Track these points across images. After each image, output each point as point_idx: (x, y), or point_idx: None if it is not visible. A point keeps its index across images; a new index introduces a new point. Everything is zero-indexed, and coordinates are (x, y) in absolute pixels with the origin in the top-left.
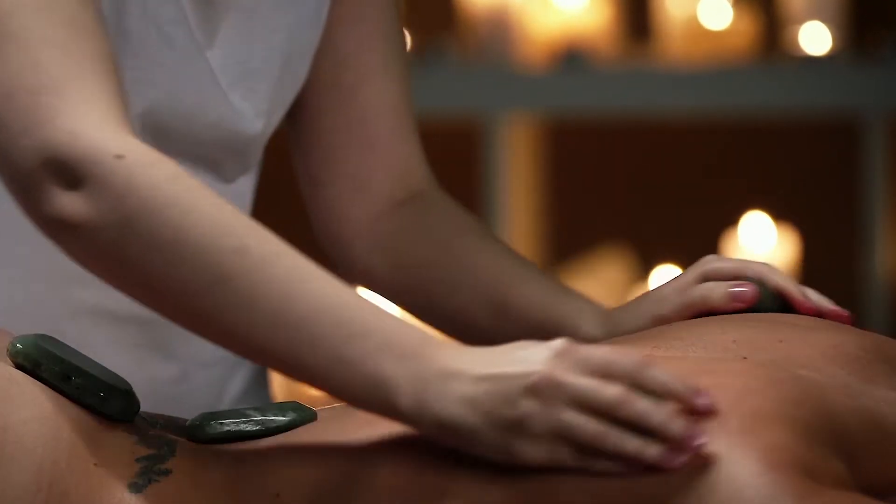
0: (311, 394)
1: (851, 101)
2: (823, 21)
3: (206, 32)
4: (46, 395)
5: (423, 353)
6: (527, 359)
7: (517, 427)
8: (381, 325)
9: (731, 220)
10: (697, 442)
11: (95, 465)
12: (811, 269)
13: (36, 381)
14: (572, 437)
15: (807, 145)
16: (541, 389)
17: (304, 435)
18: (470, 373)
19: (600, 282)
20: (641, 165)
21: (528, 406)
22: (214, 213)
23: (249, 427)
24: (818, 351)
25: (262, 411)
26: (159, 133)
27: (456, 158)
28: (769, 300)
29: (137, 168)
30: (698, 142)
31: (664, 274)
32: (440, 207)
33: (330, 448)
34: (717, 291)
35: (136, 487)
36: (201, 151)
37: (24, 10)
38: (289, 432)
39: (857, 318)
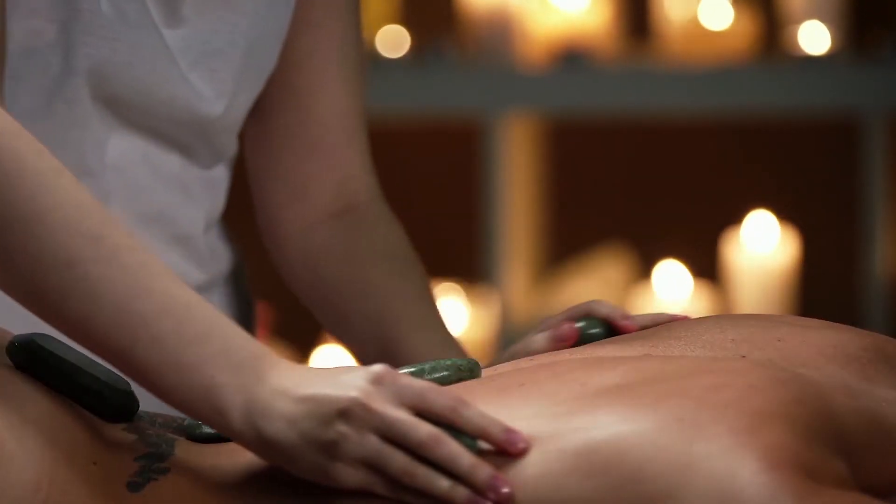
0: None
1: (851, 100)
2: (823, 21)
3: (166, 11)
4: (45, 395)
5: (256, 368)
6: (345, 382)
7: (332, 449)
8: (222, 333)
9: (731, 219)
10: (503, 491)
11: (95, 463)
12: (811, 268)
13: (35, 380)
14: (381, 467)
15: (806, 145)
16: (353, 414)
17: None
18: (294, 392)
19: (600, 282)
20: (641, 165)
21: (341, 429)
22: (76, 197)
23: None
24: (817, 350)
25: None
26: (112, 101)
27: (456, 158)
28: (599, 331)
29: (3, 137)
30: (698, 141)
31: (665, 273)
32: (370, 227)
33: None
34: (537, 339)
35: (135, 486)
36: (162, 129)
37: None
38: None
39: (857, 318)
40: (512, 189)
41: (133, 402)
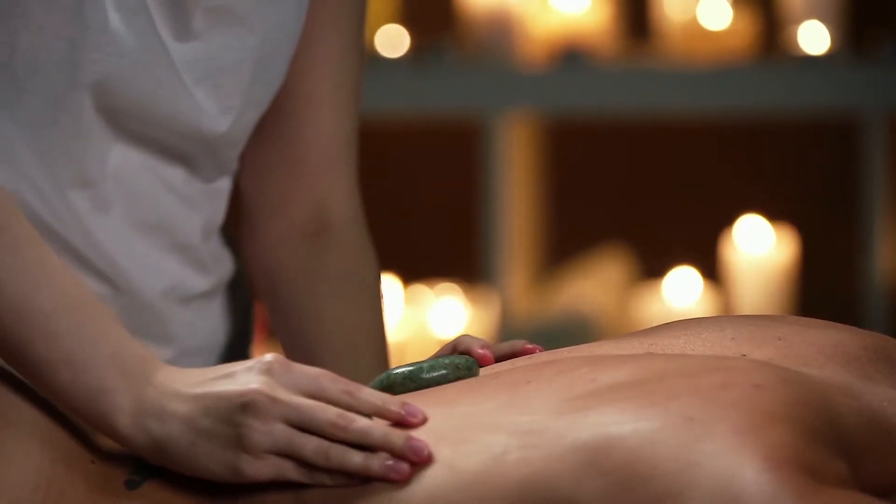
0: None
1: (850, 100)
2: (822, 21)
3: (175, 25)
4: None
5: (144, 371)
6: (242, 377)
7: (237, 444)
8: (115, 338)
9: (730, 219)
10: (422, 452)
11: (93, 462)
12: (811, 269)
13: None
14: (294, 454)
15: (806, 145)
16: (257, 405)
17: None
18: (186, 392)
19: (600, 282)
20: (641, 165)
21: (247, 422)
22: None
23: None
24: (818, 349)
25: None
26: (115, 113)
27: (456, 158)
28: (459, 368)
29: None
30: (697, 141)
31: (672, 275)
32: (338, 250)
33: None
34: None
35: (132, 484)
36: (165, 142)
37: None
38: None
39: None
40: (512, 189)
41: None
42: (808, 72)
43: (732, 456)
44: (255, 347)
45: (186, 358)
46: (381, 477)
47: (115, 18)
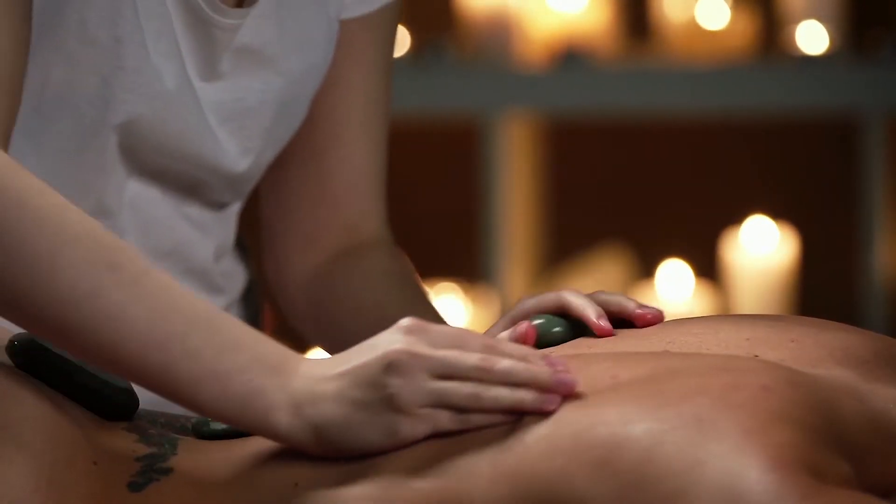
0: None
1: (850, 100)
2: (821, 20)
3: (203, 66)
4: (45, 394)
5: (288, 367)
6: (378, 344)
7: (389, 406)
8: (251, 341)
9: (730, 219)
10: (572, 383)
11: (95, 463)
12: (810, 268)
13: (35, 379)
14: (447, 402)
15: (805, 145)
16: (400, 365)
17: None
18: (332, 372)
19: (600, 282)
20: (641, 165)
21: (394, 383)
22: (87, 228)
23: None
24: (827, 352)
25: None
26: (138, 151)
27: (455, 158)
28: (560, 331)
29: (4, 179)
30: (697, 141)
31: (667, 273)
32: (372, 254)
33: None
34: (499, 338)
35: (136, 486)
36: (184, 178)
37: None
38: None
39: (857, 319)
40: (511, 189)
41: (133, 400)
42: (808, 72)
43: (738, 456)
44: None
45: None
46: (534, 410)
47: (150, 61)
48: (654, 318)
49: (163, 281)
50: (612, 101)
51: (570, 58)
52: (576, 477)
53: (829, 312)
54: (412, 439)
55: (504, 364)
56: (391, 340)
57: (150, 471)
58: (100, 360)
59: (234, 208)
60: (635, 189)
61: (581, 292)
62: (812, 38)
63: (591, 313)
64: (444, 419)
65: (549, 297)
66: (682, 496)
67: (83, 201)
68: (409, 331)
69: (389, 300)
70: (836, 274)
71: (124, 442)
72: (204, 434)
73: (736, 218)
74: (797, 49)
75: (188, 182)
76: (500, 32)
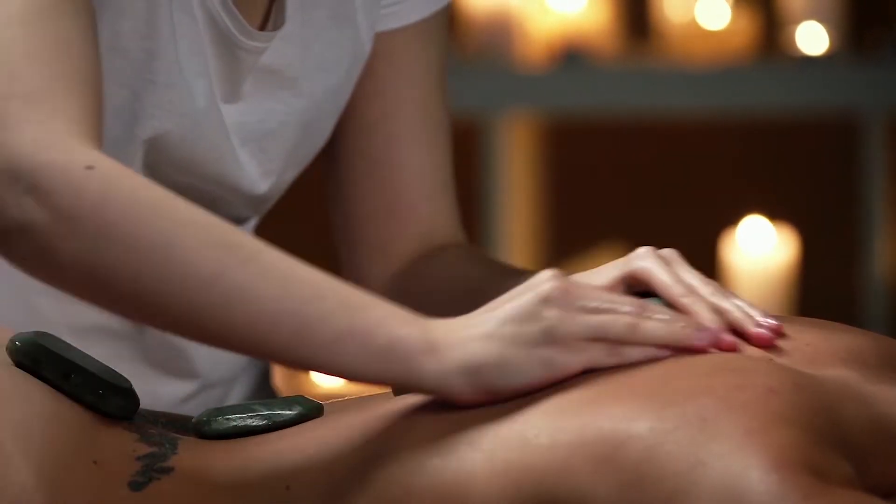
0: (315, 391)
1: (850, 100)
2: (821, 21)
3: (227, 87)
4: (46, 393)
5: (425, 320)
6: (528, 287)
7: (546, 338)
8: (379, 300)
9: (730, 219)
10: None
11: (96, 462)
12: (811, 269)
13: (36, 378)
14: (604, 334)
15: (805, 145)
16: (557, 297)
17: (312, 429)
18: (477, 318)
19: None
20: (641, 165)
21: (551, 315)
22: (195, 215)
23: (256, 422)
24: (835, 354)
25: (269, 406)
26: (161, 168)
27: (455, 158)
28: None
29: (111, 179)
30: (696, 141)
31: None
32: (452, 257)
33: (339, 441)
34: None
35: (136, 485)
36: (205, 195)
37: (13, 22)
38: (296, 427)
39: (857, 319)
40: (511, 188)
41: (134, 400)
42: (808, 72)
43: (740, 456)
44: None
45: (207, 390)
46: (687, 344)
47: (183, 77)
48: (769, 341)
49: (276, 253)
50: (613, 101)
51: (571, 58)
52: (577, 473)
53: (829, 313)
54: (569, 373)
55: (656, 309)
56: (541, 280)
57: (151, 470)
58: (232, 339)
59: (253, 222)
60: (635, 189)
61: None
62: (812, 38)
63: (748, 325)
64: (600, 352)
65: (665, 281)
66: (684, 495)
67: None
68: (556, 275)
69: (481, 276)
70: (835, 274)
71: (125, 441)
72: (205, 434)
73: (735, 219)
74: (797, 49)
75: (208, 199)
76: (500, 32)
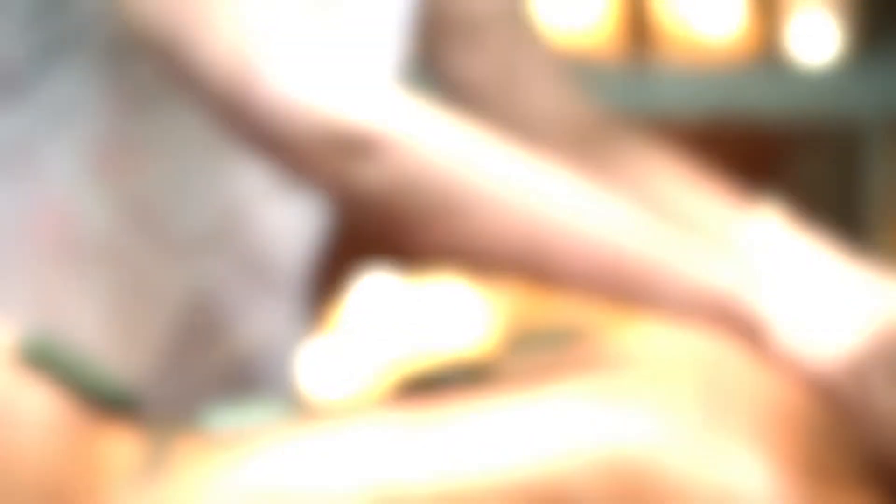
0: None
1: (853, 105)
2: (824, 24)
3: None
4: (47, 393)
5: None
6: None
7: None
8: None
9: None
10: None
11: (97, 462)
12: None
13: (36, 378)
14: None
15: (808, 150)
16: None
17: (312, 429)
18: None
19: None
20: None
21: None
22: (495, 154)
23: (256, 421)
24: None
25: (270, 403)
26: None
27: None
28: None
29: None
30: (697, 144)
31: None
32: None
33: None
34: None
35: (137, 485)
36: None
37: None
38: (296, 427)
39: None
40: None
41: (135, 400)
42: (809, 76)
43: (741, 455)
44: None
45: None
46: None
47: None
48: None
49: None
50: (613, 103)
51: (571, 60)
52: (575, 475)
53: None
54: None
55: None
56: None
57: (152, 469)
58: (599, 278)
59: None
60: None
61: None
62: (813, 41)
63: None
64: None
65: None
66: (683, 497)
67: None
68: None
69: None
70: None
71: (126, 441)
72: (205, 433)
73: None
74: (798, 53)
75: None
76: None
